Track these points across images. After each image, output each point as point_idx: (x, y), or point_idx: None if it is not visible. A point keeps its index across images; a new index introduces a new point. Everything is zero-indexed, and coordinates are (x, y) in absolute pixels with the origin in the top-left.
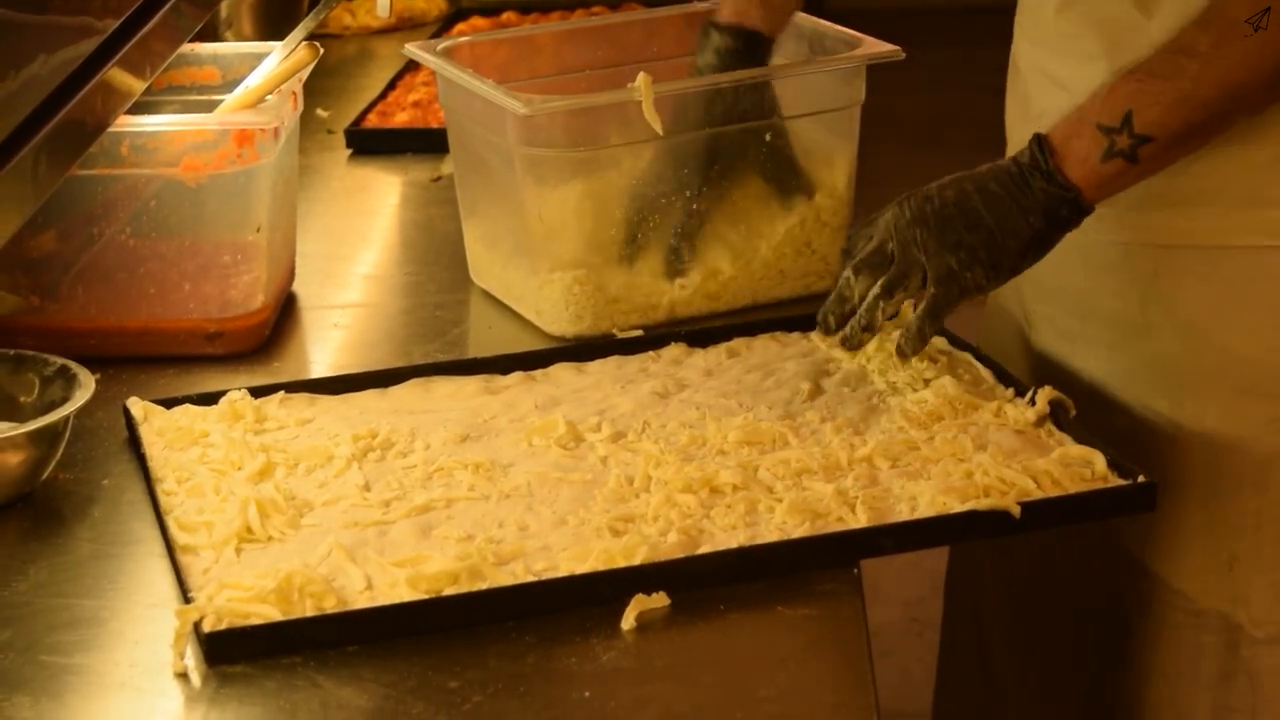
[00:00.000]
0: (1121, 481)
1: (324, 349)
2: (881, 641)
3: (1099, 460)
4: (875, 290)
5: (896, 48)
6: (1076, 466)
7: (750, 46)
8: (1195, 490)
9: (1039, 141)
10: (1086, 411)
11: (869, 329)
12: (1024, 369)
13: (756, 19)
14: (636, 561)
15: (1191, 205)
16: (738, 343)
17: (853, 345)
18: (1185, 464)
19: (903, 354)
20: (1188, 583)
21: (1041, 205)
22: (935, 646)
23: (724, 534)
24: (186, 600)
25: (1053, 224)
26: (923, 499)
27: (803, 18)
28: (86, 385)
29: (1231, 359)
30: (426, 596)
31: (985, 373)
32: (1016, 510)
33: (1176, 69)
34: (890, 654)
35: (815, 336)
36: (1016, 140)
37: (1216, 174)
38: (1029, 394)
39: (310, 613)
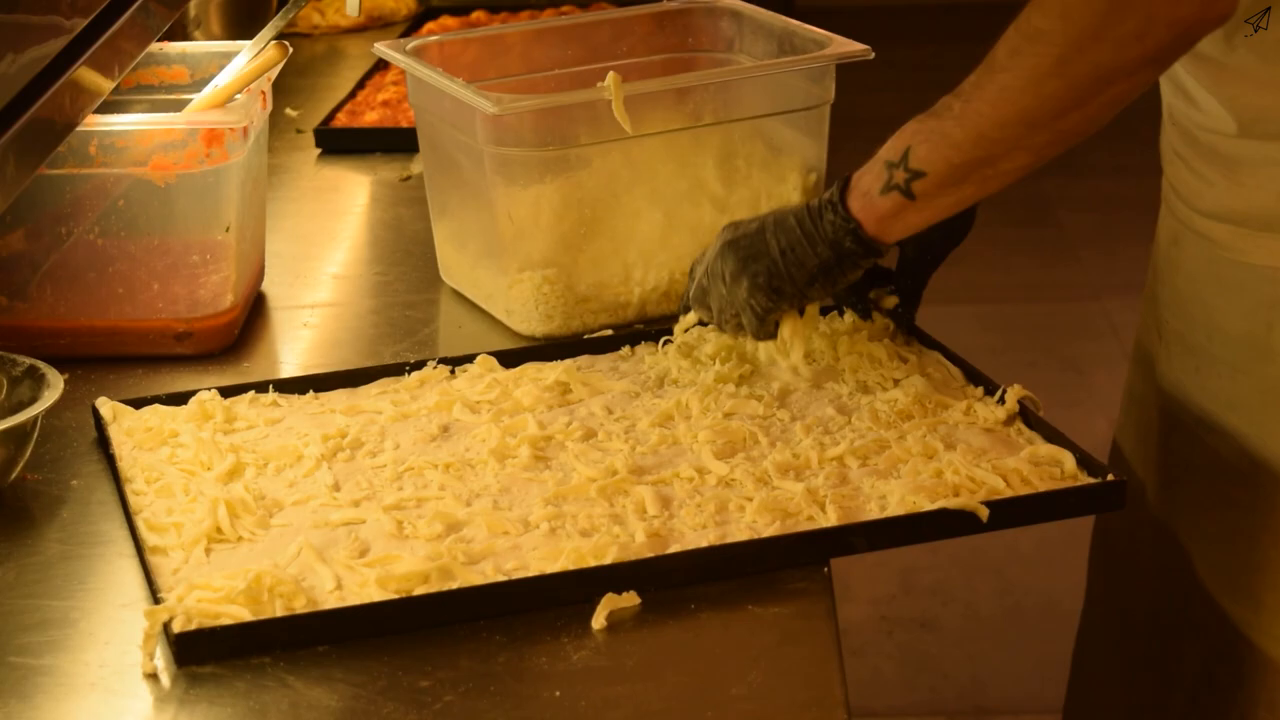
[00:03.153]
0: (1091, 480)
1: (293, 348)
2: (851, 640)
3: (1068, 459)
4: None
5: (866, 47)
6: (1046, 465)
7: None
8: None
9: (844, 179)
10: (1202, 433)
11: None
12: (1150, 387)
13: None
14: (607, 561)
15: None
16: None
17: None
18: None
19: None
20: None
21: (829, 237)
22: (904, 645)
23: (694, 533)
24: (156, 601)
25: (841, 255)
26: (893, 498)
27: (772, 16)
28: (55, 385)
29: None
30: (397, 596)
31: (955, 371)
32: (984, 512)
33: (945, 108)
34: (860, 652)
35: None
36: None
37: None
38: (998, 393)
39: (280, 613)
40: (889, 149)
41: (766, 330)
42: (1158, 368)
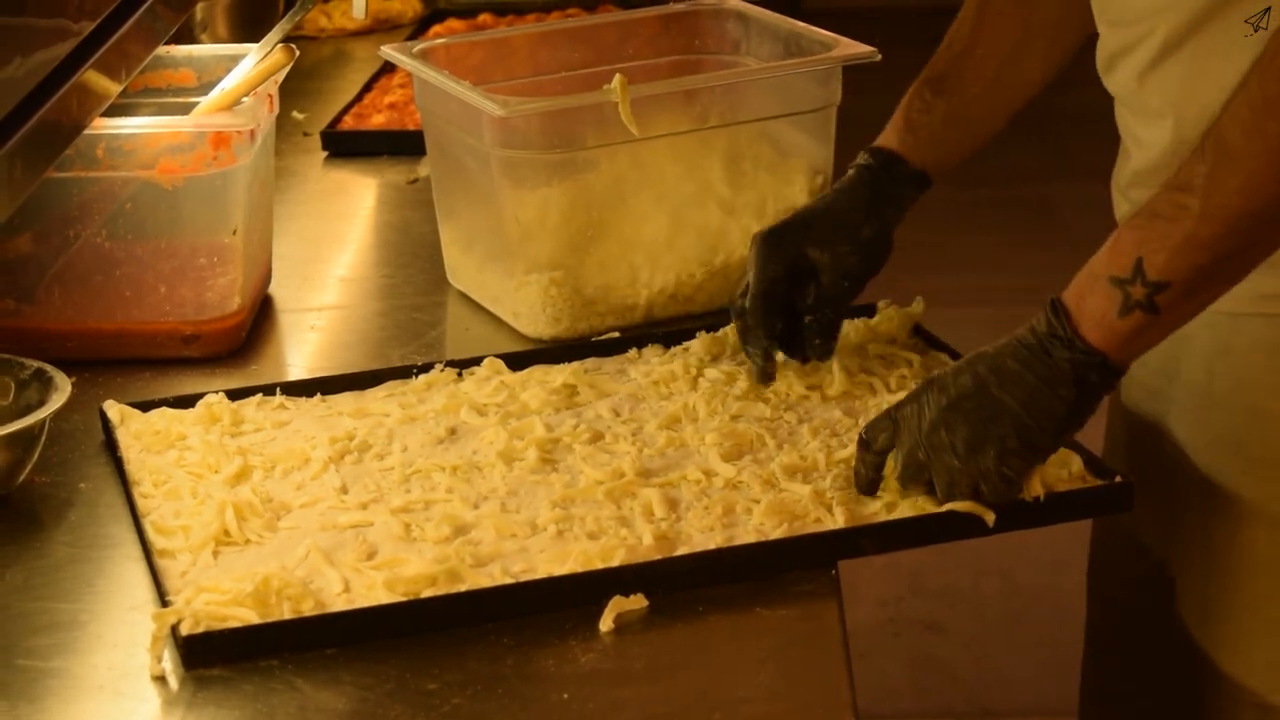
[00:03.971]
0: (1098, 481)
1: (301, 351)
2: (859, 642)
3: (1075, 461)
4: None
5: (872, 49)
6: (1053, 467)
7: (886, 165)
8: (1261, 579)
9: (1054, 306)
10: (1168, 477)
11: None
12: (1114, 427)
13: (895, 142)
14: (614, 563)
15: (1259, 268)
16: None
17: None
18: (1251, 549)
19: None
20: (1254, 678)
21: (1069, 376)
22: (912, 647)
23: (701, 535)
24: (164, 603)
25: (1086, 392)
26: (900, 500)
27: (778, 18)
28: (63, 388)
29: None
30: (404, 599)
31: None
32: (991, 515)
33: (1178, 209)
34: (868, 655)
35: None
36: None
37: None
38: None
39: (288, 615)
40: (1109, 264)
41: (1014, 493)
42: (1123, 415)
